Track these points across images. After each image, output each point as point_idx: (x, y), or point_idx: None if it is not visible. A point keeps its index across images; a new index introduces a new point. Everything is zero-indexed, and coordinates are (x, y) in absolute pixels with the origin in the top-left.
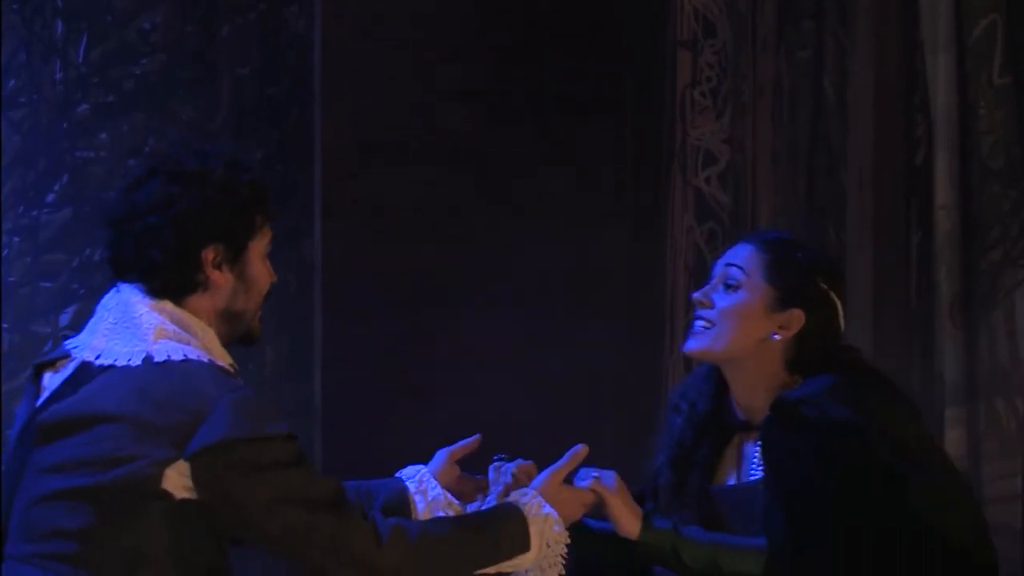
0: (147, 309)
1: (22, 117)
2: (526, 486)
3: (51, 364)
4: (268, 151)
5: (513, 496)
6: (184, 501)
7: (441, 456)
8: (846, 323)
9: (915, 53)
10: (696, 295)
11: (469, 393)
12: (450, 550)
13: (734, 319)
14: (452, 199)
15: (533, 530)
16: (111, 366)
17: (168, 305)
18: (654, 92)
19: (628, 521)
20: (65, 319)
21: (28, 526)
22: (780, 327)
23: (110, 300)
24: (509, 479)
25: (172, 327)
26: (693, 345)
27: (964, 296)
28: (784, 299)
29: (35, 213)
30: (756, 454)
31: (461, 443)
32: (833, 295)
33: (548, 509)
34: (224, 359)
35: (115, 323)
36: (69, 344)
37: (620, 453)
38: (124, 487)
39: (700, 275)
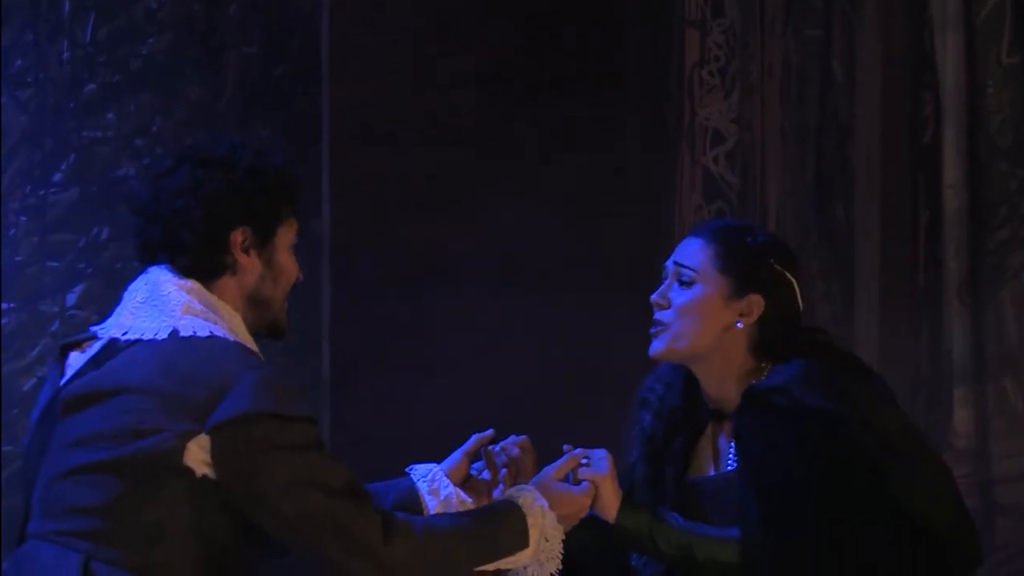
0: (175, 288)
1: (29, 97)
2: (528, 460)
3: (77, 344)
4: (275, 130)
5: (511, 492)
6: (205, 478)
7: (456, 456)
8: (856, 302)
9: (923, 32)
10: (653, 297)
11: (474, 370)
12: (454, 547)
13: (694, 315)
14: (458, 179)
15: (531, 524)
16: (137, 340)
17: (196, 286)
18: (662, 71)
19: (609, 503)
20: (72, 299)
21: (49, 503)
22: (741, 315)
23: (139, 282)
24: (505, 458)
25: (199, 307)
26: (658, 347)
27: (972, 275)
28: (740, 287)
29: (42, 193)
30: (732, 444)
31: (474, 439)
32: (788, 275)
33: (542, 501)
34: (250, 342)
35: (143, 302)
36: (95, 327)
37: (621, 434)
38: (146, 461)
39: None
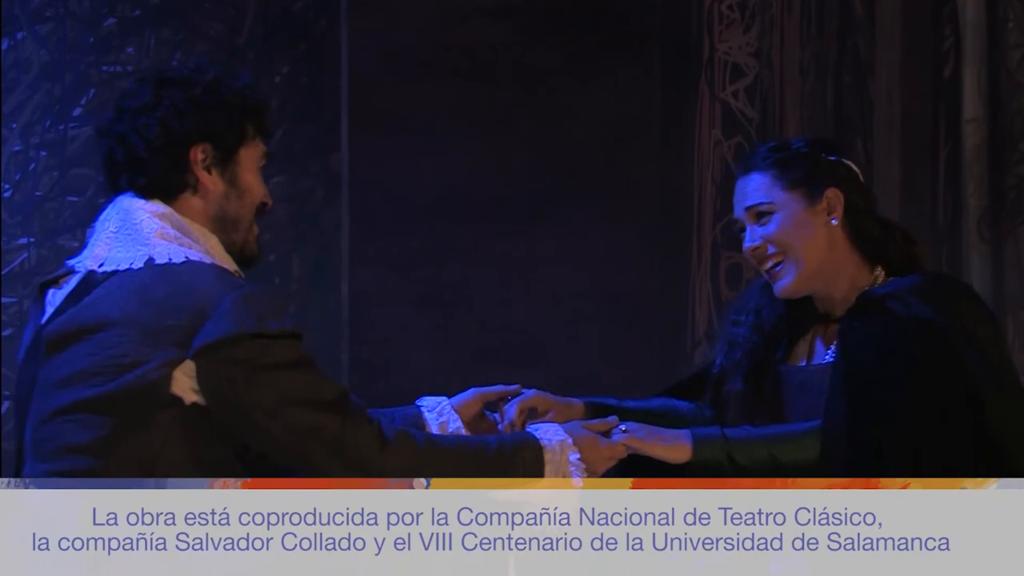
0: (147, 215)
1: (48, 31)
2: (541, 406)
3: (54, 281)
4: (294, 64)
5: (529, 426)
6: (195, 406)
7: (468, 394)
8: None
9: None
10: (747, 247)
11: (494, 305)
12: (459, 464)
13: (792, 237)
14: (478, 113)
15: (548, 458)
16: (114, 272)
17: (168, 210)
18: (682, 5)
19: (675, 453)
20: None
21: (40, 444)
22: (829, 213)
23: (109, 212)
24: (514, 413)
25: (172, 232)
26: (785, 284)
27: (992, 210)
28: (813, 190)
29: (61, 127)
30: (833, 343)
31: (496, 388)
32: (846, 161)
33: (563, 436)
34: (228, 263)
35: (116, 231)
36: (72, 261)
37: (647, 363)
38: (134, 394)
39: (727, 190)
